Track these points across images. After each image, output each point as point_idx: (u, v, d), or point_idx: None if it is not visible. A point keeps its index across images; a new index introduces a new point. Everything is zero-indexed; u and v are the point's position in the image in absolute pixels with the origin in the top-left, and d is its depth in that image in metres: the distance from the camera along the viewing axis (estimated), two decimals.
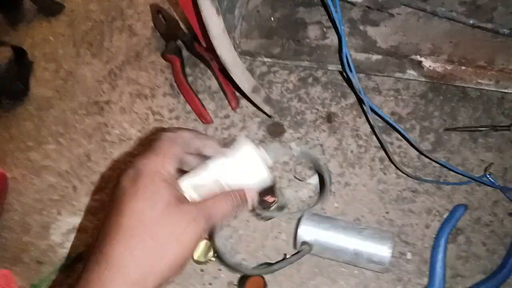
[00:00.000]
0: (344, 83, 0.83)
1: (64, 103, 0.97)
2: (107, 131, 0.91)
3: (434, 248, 0.66)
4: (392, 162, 0.72)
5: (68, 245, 0.81)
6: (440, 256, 0.64)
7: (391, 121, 0.65)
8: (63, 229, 0.83)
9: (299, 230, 0.67)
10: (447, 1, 0.68)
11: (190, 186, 0.41)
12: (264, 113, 0.76)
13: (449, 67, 0.66)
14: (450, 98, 0.78)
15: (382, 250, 0.63)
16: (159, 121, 0.89)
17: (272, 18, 0.74)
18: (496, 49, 0.64)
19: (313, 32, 0.74)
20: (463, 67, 0.65)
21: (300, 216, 0.69)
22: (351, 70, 0.63)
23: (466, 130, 0.75)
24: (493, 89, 0.66)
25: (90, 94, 0.96)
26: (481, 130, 0.74)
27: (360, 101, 0.81)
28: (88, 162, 0.88)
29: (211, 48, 0.60)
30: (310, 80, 0.85)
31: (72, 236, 0.82)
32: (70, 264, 0.79)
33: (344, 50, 0.61)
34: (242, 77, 0.63)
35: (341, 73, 0.82)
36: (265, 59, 0.78)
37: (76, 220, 0.83)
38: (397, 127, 0.66)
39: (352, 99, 0.82)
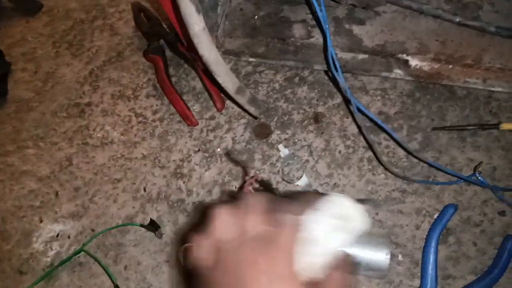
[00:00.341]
0: (331, 83, 0.82)
1: (43, 105, 0.94)
2: (89, 134, 0.88)
3: (425, 249, 0.65)
4: (380, 163, 0.71)
5: (52, 253, 0.79)
6: (431, 257, 0.64)
7: (378, 121, 0.64)
8: (46, 237, 0.80)
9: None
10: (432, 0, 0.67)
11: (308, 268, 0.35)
12: (250, 114, 0.74)
13: (436, 66, 0.65)
14: (437, 97, 0.77)
15: (379, 257, 0.61)
16: (142, 123, 0.87)
17: (256, 17, 0.72)
18: (483, 47, 0.63)
19: (298, 31, 0.72)
20: (450, 66, 0.64)
21: None
22: (336, 70, 0.61)
23: (454, 129, 0.75)
24: (480, 87, 0.65)
25: (71, 95, 0.93)
26: (469, 129, 0.74)
27: (347, 101, 0.79)
28: (69, 166, 0.86)
29: (192, 48, 0.58)
30: (296, 79, 0.84)
31: (55, 244, 0.79)
32: (54, 273, 0.76)
33: (329, 49, 0.60)
34: (226, 77, 0.61)
35: (327, 72, 0.80)
36: (250, 59, 0.76)
37: (58, 227, 0.80)
38: (384, 127, 0.64)
39: (339, 99, 0.81)
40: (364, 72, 0.69)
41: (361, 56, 0.68)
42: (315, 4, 0.57)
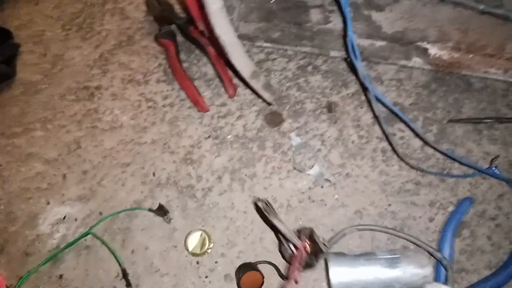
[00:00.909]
0: (345, 72, 0.81)
1: (52, 88, 0.93)
2: (98, 118, 0.87)
3: (441, 242, 0.64)
4: (396, 153, 0.70)
5: (58, 235, 0.78)
6: (446, 250, 0.63)
7: (396, 110, 0.62)
8: (52, 219, 0.79)
9: (331, 274, 0.62)
10: None
11: None
12: (263, 100, 0.73)
13: (456, 55, 0.64)
14: (454, 89, 0.76)
15: (423, 275, 0.60)
16: (152, 108, 0.86)
17: (272, 1, 0.70)
18: (506, 37, 0.62)
19: (314, 16, 0.71)
20: (471, 55, 0.63)
21: (325, 258, 0.65)
22: (356, 57, 0.60)
23: (470, 122, 0.73)
24: (501, 78, 0.64)
25: (80, 79, 0.92)
26: (486, 122, 0.72)
27: (362, 91, 0.78)
28: (77, 149, 0.85)
29: (208, 30, 0.57)
30: (309, 68, 0.82)
31: (61, 226, 0.78)
32: (60, 256, 0.75)
33: (349, 34, 0.58)
34: (241, 60, 0.60)
35: (344, 60, 0.79)
36: (264, 44, 0.75)
37: (65, 210, 0.80)
38: (402, 116, 0.63)
39: (353, 88, 0.79)
40: (381, 59, 0.68)
41: (379, 43, 0.66)
42: None
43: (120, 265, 0.72)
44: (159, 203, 0.75)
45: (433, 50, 0.64)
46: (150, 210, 0.75)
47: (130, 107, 0.87)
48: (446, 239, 0.63)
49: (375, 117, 0.73)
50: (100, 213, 0.78)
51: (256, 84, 0.65)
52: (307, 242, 0.59)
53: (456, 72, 0.67)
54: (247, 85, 0.67)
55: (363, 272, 0.61)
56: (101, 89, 0.90)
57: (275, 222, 0.57)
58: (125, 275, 0.71)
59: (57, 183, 0.82)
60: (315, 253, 0.60)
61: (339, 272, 0.61)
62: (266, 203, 0.57)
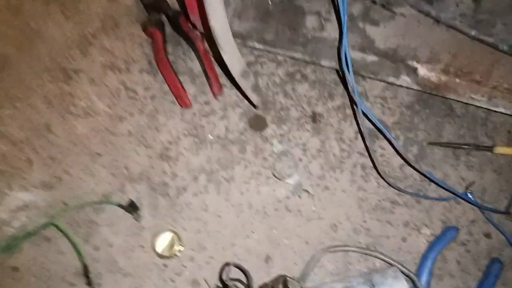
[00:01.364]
0: (332, 84, 0.80)
1: (25, 64, 0.87)
2: (72, 102, 0.82)
3: (420, 268, 0.64)
4: (376, 169, 0.70)
5: (16, 223, 0.73)
6: (424, 277, 0.62)
7: (380, 126, 0.62)
8: (12, 205, 0.74)
9: None
10: (450, 10, 0.66)
11: None
12: (249, 102, 0.71)
13: (443, 78, 0.64)
14: (436, 113, 0.77)
15: None
16: (132, 98, 0.82)
17: (269, 1, 0.69)
18: (493, 65, 0.63)
19: (310, 22, 0.70)
20: (458, 80, 0.64)
21: None
22: (348, 68, 0.59)
23: (449, 146, 0.74)
24: (484, 106, 0.65)
25: (57, 58, 0.87)
26: (464, 148, 0.74)
27: (350, 104, 0.78)
28: (47, 133, 0.80)
29: (202, 21, 0.54)
30: (298, 76, 0.81)
31: (21, 214, 0.73)
32: (16, 245, 0.70)
33: (344, 43, 0.57)
34: (233, 56, 0.58)
35: (333, 71, 0.78)
36: (256, 45, 0.73)
37: (27, 197, 0.75)
38: (386, 133, 0.63)
39: (338, 101, 0.79)
40: (371, 74, 0.67)
41: (370, 58, 0.66)
42: None
43: (82, 260, 0.68)
44: (130, 199, 0.72)
45: (422, 71, 0.64)
46: (119, 205, 0.72)
47: (109, 94, 0.83)
48: (425, 265, 0.63)
49: (359, 131, 0.73)
50: (65, 204, 0.74)
51: (245, 84, 0.63)
52: None
53: (442, 95, 0.67)
54: (234, 84, 0.65)
55: None
56: (79, 72, 0.85)
57: None
58: (86, 272, 0.67)
59: (20, 167, 0.77)
60: None
61: None
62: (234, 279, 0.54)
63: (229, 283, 0.53)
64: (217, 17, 0.52)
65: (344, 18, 0.56)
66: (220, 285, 0.64)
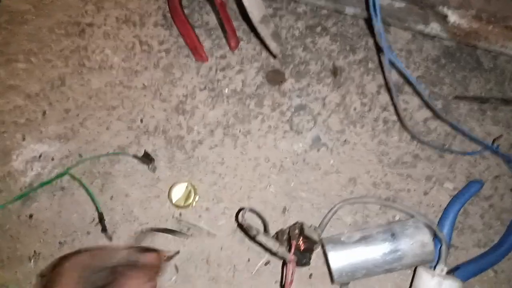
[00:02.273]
0: (354, 37, 0.77)
1: (40, 20, 0.86)
2: (87, 56, 0.81)
3: (442, 220, 0.62)
4: (401, 121, 0.67)
5: (31, 174, 0.73)
6: (446, 230, 0.60)
7: (407, 74, 0.60)
8: (27, 156, 0.74)
9: (330, 261, 0.58)
10: None
11: None
12: (268, 51, 0.69)
13: (475, 25, 0.61)
14: (463, 66, 0.73)
15: (423, 243, 0.57)
16: (146, 52, 0.80)
17: None
18: None
19: None
20: (491, 26, 0.60)
21: (322, 244, 0.61)
22: (375, 12, 0.56)
23: (475, 101, 0.71)
24: None
25: (72, 13, 0.85)
26: (491, 102, 0.71)
27: (370, 58, 0.75)
28: (61, 86, 0.79)
29: None
30: (318, 29, 0.78)
31: (37, 165, 0.73)
32: (32, 195, 0.70)
33: None
34: (253, 1, 0.55)
35: (356, 25, 0.75)
36: None
37: (43, 148, 0.74)
38: (413, 81, 0.60)
39: (361, 54, 0.76)
40: (397, 21, 0.64)
41: (398, 4, 0.63)
42: None
43: (97, 209, 0.68)
44: (145, 150, 0.71)
45: (453, 18, 0.61)
46: (134, 156, 0.71)
47: (123, 48, 0.81)
48: (447, 218, 0.61)
49: (385, 81, 0.70)
50: (80, 156, 0.73)
51: (265, 31, 0.61)
52: (299, 242, 0.56)
53: (472, 45, 0.64)
54: (254, 31, 0.62)
55: (363, 254, 0.58)
56: (93, 26, 0.84)
57: (262, 241, 0.54)
58: (101, 219, 0.67)
59: (36, 119, 0.77)
60: (309, 249, 0.57)
61: (338, 257, 0.58)
62: (248, 225, 0.53)
63: (245, 223, 0.52)
64: None
65: None
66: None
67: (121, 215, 0.69)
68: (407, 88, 0.72)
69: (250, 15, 0.58)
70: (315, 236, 0.58)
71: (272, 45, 0.64)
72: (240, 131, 0.73)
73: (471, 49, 0.72)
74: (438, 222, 0.62)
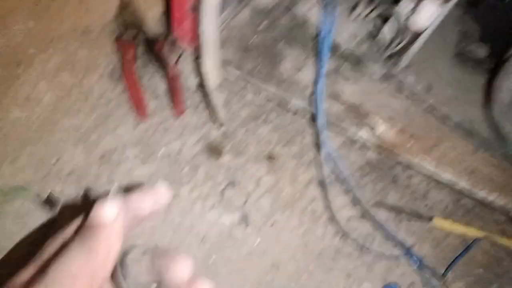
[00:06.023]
0: (293, 132, 0.82)
1: None
2: (18, 88, 0.74)
3: None
4: (328, 213, 0.69)
5: None
6: None
7: (344, 170, 0.63)
8: None
9: None
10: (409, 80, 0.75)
11: None
12: (215, 118, 0.70)
13: (399, 137, 0.70)
14: (382, 178, 0.81)
15: None
16: (84, 96, 0.76)
17: (254, 37, 0.73)
18: (443, 136, 0.70)
19: (289, 63, 0.74)
20: (412, 141, 0.69)
21: None
22: (316, 108, 0.62)
23: (393, 210, 0.77)
24: (432, 169, 0.69)
25: (15, 48, 0.80)
26: (406, 213, 0.76)
27: (306, 152, 0.79)
28: None
29: (191, 29, 0.55)
30: (263, 117, 0.83)
31: None
32: None
33: (321, 80, 0.61)
34: (214, 67, 0.58)
35: (297, 120, 0.81)
36: (234, 71, 0.74)
37: None
38: (346, 176, 0.64)
39: (297, 147, 0.80)
40: (336, 121, 0.71)
41: (336, 107, 0.70)
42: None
43: None
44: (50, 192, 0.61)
45: (381, 128, 0.69)
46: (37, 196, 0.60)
47: (59, 87, 0.76)
48: None
49: (316, 175, 0.73)
50: None
51: (218, 99, 0.62)
52: None
53: (394, 158, 0.72)
54: (205, 97, 0.64)
55: None
56: (34, 62, 0.79)
57: None
58: None
59: None
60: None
61: None
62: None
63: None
64: (209, 22, 0.54)
65: (325, 59, 0.61)
66: None
67: None
68: (334, 186, 0.76)
69: (208, 80, 0.60)
70: None
71: (222, 113, 0.65)
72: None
73: (392, 164, 0.81)
74: None
